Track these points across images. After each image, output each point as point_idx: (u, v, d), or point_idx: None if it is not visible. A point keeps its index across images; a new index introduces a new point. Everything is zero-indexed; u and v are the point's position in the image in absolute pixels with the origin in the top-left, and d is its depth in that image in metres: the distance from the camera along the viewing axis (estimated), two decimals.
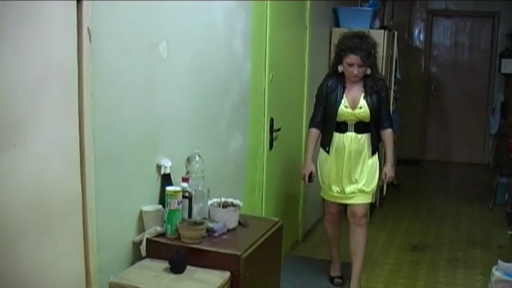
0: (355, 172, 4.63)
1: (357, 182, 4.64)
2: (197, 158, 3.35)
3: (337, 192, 4.70)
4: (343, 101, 4.51)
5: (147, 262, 3.04)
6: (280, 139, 5.14)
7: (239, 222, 3.37)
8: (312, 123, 4.70)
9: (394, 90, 7.28)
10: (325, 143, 4.65)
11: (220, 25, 3.92)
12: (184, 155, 3.38)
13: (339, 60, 4.51)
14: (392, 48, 7.04)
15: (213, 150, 3.92)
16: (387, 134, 4.66)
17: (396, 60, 7.22)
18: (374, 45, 4.47)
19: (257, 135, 4.75)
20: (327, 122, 4.62)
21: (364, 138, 4.59)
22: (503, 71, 9.04)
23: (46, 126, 2.43)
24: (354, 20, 6.60)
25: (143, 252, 3.08)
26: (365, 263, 5.14)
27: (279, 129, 5.06)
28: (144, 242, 3.08)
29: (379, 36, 6.47)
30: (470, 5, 9.52)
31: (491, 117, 9.59)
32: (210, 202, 3.37)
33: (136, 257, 3.11)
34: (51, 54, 2.42)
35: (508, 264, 4.61)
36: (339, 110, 4.51)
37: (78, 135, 2.58)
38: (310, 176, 4.69)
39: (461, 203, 7.62)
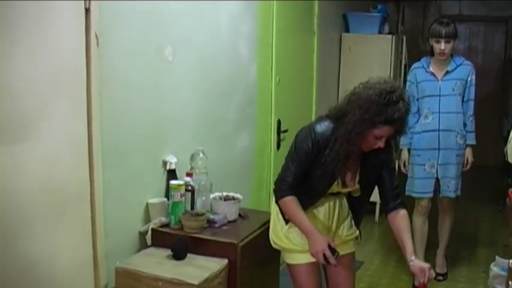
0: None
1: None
2: (201, 155, 3.59)
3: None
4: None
5: (151, 250, 3.28)
6: (288, 140, 5.27)
7: (239, 215, 3.60)
8: (284, 189, 3.12)
9: None
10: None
11: (225, 29, 4.15)
12: (190, 153, 3.63)
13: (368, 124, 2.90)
14: (401, 53, 7.20)
15: (219, 149, 4.15)
16: (401, 217, 3.19)
17: (405, 66, 7.35)
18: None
19: (264, 135, 4.96)
20: (304, 192, 3.14)
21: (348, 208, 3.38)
22: None
23: (57, 121, 2.69)
24: (363, 25, 6.80)
25: (148, 241, 3.33)
26: (372, 260, 5.50)
27: (286, 131, 5.25)
28: (149, 232, 3.32)
29: (387, 41, 6.69)
30: (483, 10, 9.64)
31: (504, 120, 9.70)
32: (212, 196, 3.60)
33: (143, 246, 3.36)
34: (62, 56, 2.69)
35: (506, 260, 4.76)
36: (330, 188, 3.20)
37: (86, 130, 2.84)
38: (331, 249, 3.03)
39: (470, 205, 7.66)
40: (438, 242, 5.49)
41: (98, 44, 2.82)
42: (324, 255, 3.00)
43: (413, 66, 5.20)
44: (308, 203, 3.16)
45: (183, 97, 3.72)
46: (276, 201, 3.18)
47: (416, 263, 3.07)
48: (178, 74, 3.61)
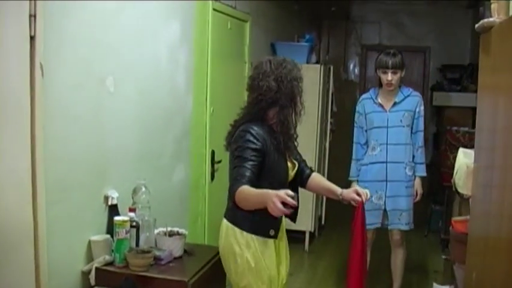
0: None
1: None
2: (143, 189, 3.46)
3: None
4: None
5: None
6: (222, 171, 5.24)
7: (185, 250, 3.49)
8: (242, 181, 2.99)
9: (330, 123, 7.50)
10: (270, 224, 3.19)
11: (164, 60, 4.07)
12: (130, 187, 3.49)
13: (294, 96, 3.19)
14: (328, 82, 7.27)
15: (158, 182, 4.02)
16: (315, 176, 3.52)
17: (332, 94, 7.44)
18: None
19: (199, 167, 4.87)
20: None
21: None
22: (434, 103, 9.39)
23: (0, 158, 2.51)
24: (291, 54, 6.72)
25: (92, 281, 3.16)
26: None
27: (220, 161, 5.17)
28: (93, 271, 3.16)
29: (315, 71, 6.72)
30: (402, 40, 9.86)
31: (424, 148, 9.91)
32: (156, 231, 3.47)
33: (86, 286, 3.18)
34: (4, 89, 2.52)
35: (443, 287, 4.81)
36: (288, 173, 3.34)
37: (30, 167, 2.66)
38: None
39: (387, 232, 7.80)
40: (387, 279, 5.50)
41: (42, 74, 2.67)
42: (283, 203, 2.74)
43: (362, 97, 5.20)
44: None
45: (124, 129, 3.60)
46: (233, 198, 3.00)
47: (346, 190, 3.33)
48: (119, 105, 3.49)
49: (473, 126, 8.33)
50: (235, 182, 3.01)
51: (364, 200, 3.25)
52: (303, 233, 6.94)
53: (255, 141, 3.09)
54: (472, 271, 2.68)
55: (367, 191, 3.31)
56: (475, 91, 8.49)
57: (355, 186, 3.42)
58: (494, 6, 2.69)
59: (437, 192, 8.04)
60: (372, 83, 10.36)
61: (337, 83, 8.35)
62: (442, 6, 9.30)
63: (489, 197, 2.33)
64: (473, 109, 8.47)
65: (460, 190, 3.97)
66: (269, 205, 2.78)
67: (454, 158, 7.05)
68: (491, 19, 2.61)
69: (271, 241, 3.23)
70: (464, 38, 9.61)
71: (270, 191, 2.85)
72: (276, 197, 2.74)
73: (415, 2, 9.62)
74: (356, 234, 3.30)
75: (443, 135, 7.99)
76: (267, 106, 3.18)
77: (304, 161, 3.53)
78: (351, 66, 10.44)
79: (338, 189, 3.36)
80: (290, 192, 2.81)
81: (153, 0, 3.86)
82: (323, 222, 7.66)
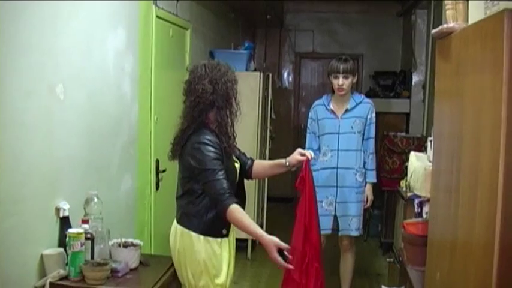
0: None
1: None
2: (95, 200, 3.38)
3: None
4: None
5: None
6: (166, 180, 5.18)
7: (140, 262, 3.41)
8: (228, 197, 3.13)
9: (270, 130, 7.51)
10: (221, 224, 3.27)
11: (111, 67, 3.98)
12: (81, 197, 3.40)
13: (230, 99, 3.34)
14: (267, 89, 7.28)
15: (106, 192, 3.91)
16: (258, 163, 3.72)
17: (271, 101, 7.46)
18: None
19: (145, 176, 4.78)
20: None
21: None
22: None
23: None
24: (230, 62, 6.70)
25: None
26: None
27: (164, 171, 5.10)
28: (47, 286, 3.04)
29: (255, 78, 6.73)
30: (335, 48, 9.95)
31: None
32: (110, 243, 3.39)
33: None
34: None
35: None
36: (237, 173, 3.48)
37: None
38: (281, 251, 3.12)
39: (336, 236, 7.86)
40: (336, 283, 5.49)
41: None
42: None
43: (314, 103, 5.22)
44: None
45: (73, 138, 3.49)
46: (224, 214, 3.13)
47: (290, 156, 3.59)
48: (68, 114, 3.39)
49: (408, 131, 8.54)
50: (221, 196, 3.13)
51: (309, 157, 3.53)
52: (245, 240, 6.90)
53: (214, 150, 3.20)
54: (436, 272, 2.71)
55: (310, 151, 3.58)
56: (408, 97, 8.76)
57: (297, 150, 3.60)
58: (449, 12, 2.73)
59: (375, 196, 8.13)
60: (306, 90, 10.50)
61: (272, 90, 8.37)
62: (374, 14, 9.46)
63: (456, 200, 2.35)
64: (407, 115, 8.77)
65: (417, 192, 4.02)
66: (270, 255, 3.09)
67: (393, 162, 7.25)
68: (450, 25, 2.64)
69: (225, 241, 3.33)
70: (396, 45, 9.80)
71: (267, 240, 3.10)
72: (274, 256, 3.06)
73: (347, 10, 9.75)
74: (307, 191, 3.58)
75: (379, 141, 8.09)
76: (205, 108, 3.27)
77: (244, 154, 3.66)
78: (285, 74, 10.50)
79: (283, 160, 3.62)
80: (284, 246, 3.09)
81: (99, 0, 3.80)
82: (264, 229, 7.64)
